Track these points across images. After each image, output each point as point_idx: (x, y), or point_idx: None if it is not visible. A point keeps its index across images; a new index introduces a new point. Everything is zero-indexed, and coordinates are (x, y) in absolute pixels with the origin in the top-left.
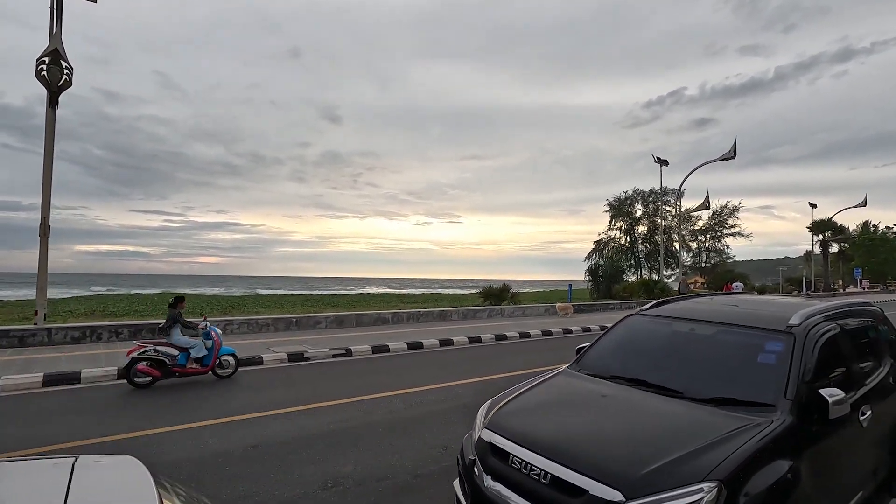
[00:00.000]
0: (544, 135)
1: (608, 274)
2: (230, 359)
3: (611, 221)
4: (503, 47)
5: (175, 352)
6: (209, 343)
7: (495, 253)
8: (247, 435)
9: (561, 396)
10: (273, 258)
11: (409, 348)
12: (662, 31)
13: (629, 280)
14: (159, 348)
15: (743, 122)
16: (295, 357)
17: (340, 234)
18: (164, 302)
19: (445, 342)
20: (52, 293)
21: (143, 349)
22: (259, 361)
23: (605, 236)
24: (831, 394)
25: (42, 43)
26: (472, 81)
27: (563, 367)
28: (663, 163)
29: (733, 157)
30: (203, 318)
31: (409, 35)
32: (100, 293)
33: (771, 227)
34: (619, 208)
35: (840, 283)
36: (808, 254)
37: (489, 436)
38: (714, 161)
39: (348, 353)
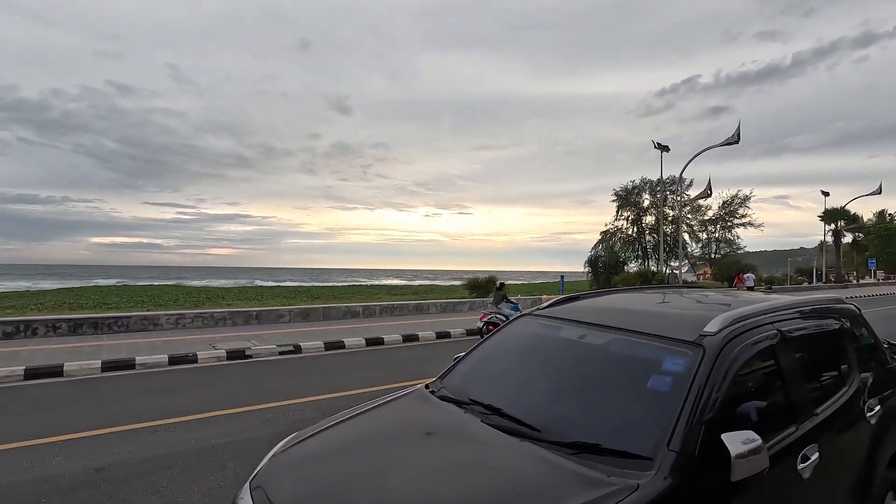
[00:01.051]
0: (556, 125)
1: (607, 265)
2: None
3: (618, 211)
4: (514, 36)
5: (503, 318)
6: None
7: (506, 244)
8: (105, 454)
9: (372, 433)
10: (284, 250)
11: (326, 348)
12: (678, 16)
13: (631, 271)
14: (499, 315)
15: (758, 110)
16: (235, 354)
17: (350, 225)
18: (163, 295)
19: (375, 341)
20: (50, 284)
21: (489, 315)
22: (193, 359)
23: (612, 227)
24: (741, 440)
25: (58, 40)
26: (483, 71)
27: (427, 382)
28: (664, 149)
29: (737, 142)
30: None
31: (418, 25)
32: (101, 284)
33: (786, 218)
34: (627, 198)
35: (855, 274)
36: (823, 244)
37: (245, 502)
38: (717, 146)
39: (297, 349)
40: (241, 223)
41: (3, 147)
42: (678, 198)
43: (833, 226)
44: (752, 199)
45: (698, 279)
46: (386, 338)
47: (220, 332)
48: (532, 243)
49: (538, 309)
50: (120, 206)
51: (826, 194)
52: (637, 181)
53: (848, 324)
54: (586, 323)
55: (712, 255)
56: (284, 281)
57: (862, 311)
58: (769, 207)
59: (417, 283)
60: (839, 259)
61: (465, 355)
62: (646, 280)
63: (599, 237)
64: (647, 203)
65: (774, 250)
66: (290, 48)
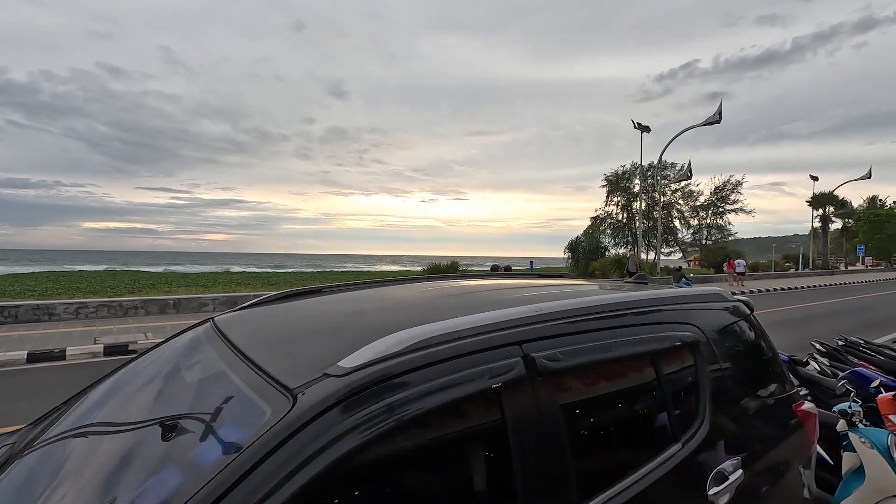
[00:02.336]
0: (554, 110)
1: (587, 250)
2: None
3: (608, 197)
4: (512, 19)
5: None
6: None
7: (502, 230)
8: None
9: None
10: (280, 235)
11: None
12: (677, 0)
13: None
14: None
15: (757, 96)
16: (115, 349)
17: (346, 211)
18: (107, 281)
19: None
20: (18, 269)
21: None
22: (60, 356)
23: (602, 212)
24: None
25: (47, 20)
26: (482, 55)
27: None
28: (644, 129)
29: (718, 122)
30: None
31: (415, 6)
32: (87, 270)
33: (781, 204)
34: (617, 183)
35: (845, 260)
36: (813, 231)
37: None
38: (699, 126)
39: None
40: (236, 208)
41: None
42: (664, 182)
43: (821, 211)
44: (745, 185)
45: (689, 265)
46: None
47: (123, 323)
48: (528, 229)
49: (221, 314)
50: (113, 190)
51: (815, 179)
52: (627, 166)
53: (715, 335)
54: (230, 343)
55: (703, 241)
56: (282, 267)
57: (754, 311)
58: (765, 194)
59: (402, 268)
60: (826, 245)
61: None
62: (620, 265)
63: (590, 223)
64: (637, 188)
65: (769, 236)
66: (284, 29)
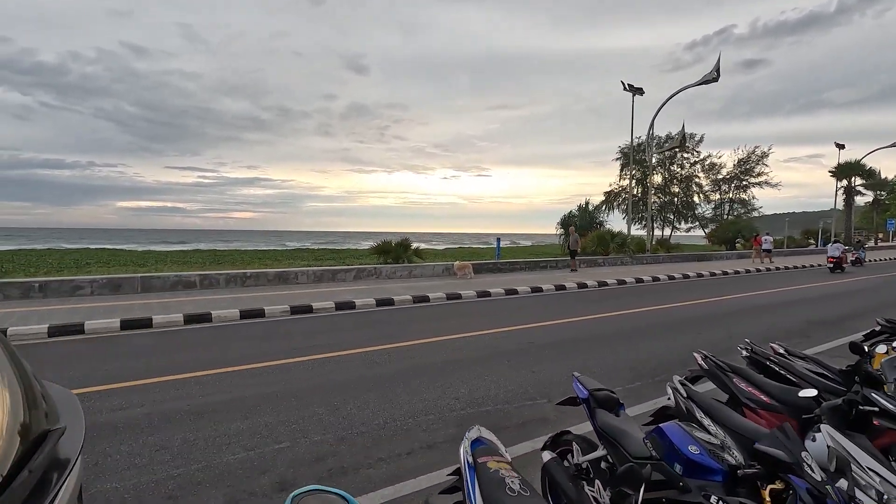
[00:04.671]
0: (576, 82)
1: (579, 227)
2: None
3: (622, 170)
4: None
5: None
6: None
7: (524, 206)
8: None
9: None
10: (304, 213)
11: (49, 334)
12: None
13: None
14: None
15: (795, 63)
16: None
17: (369, 188)
18: (65, 259)
19: (140, 323)
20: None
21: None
22: None
23: (616, 186)
24: None
25: (68, 1)
26: (501, 26)
27: None
28: (637, 91)
29: (716, 80)
30: None
31: None
32: (94, 247)
33: (818, 178)
34: (633, 156)
35: (878, 235)
36: (837, 204)
37: None
38: (695, 85)
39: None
40: (261, 187)
41: (26, 112)
42: (689, 156)
43: (845, 182)
44: (779, 158)
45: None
46: (158, 318)
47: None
48: (550, 205)
49: None
50: (143, 170)
51: (841, 147)
52: (643, 137)
53: None
54: None
55: (725, 217)
56: (290, 244)
57: None
58: (801, 167)
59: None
60: (850, 219)
61: None
62: (604, 242)
63: (604, 198)
64: (654, 161)
65: (804, 211)
66: (300, 2)
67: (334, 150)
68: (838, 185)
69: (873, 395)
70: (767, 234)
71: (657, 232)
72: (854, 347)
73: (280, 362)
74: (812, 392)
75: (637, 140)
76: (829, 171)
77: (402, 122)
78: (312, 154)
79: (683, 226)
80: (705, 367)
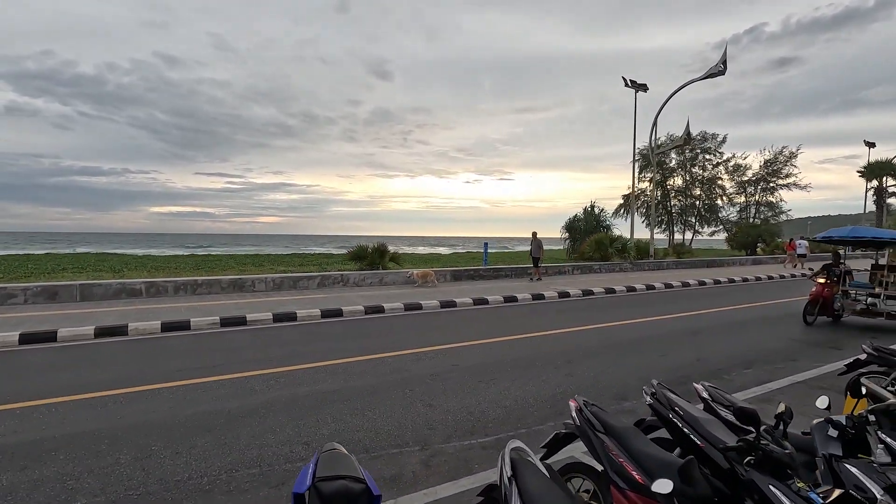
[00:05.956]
0: (602, 83)
1: (584, 230)
2: None
3: (640, 172)
4: None
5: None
6: None
7: (547, 210)
8: None
9: None
10: (329, 217)
11: None
12: None
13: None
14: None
15: (831, 60)
16: None
17: (392, 193)
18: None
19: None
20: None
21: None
22: None
23: (636, 189)
24: None
25: (105, 11)
26: (526, 29)
27: None
28: (641, 88)
29: (722, 73)
30: None
31: None
32: (94, 251)
33: (855, 179)
34: (651, 158)
35: None
36: (881, 205)
37: None
38: (701, 78)
39: None
40: (287, 192)
41: (66, 122)
42: (711, 157)
43: (875, 182)
44: (814, 159)
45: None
46: (65, 331)
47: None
48: (573, 209)
49: None
50: (174, 176)
51: (871, 145)
52: (663, 138)
53: None
54: None
55: (751, 220)
56: (311, 248)
57: None
58: (836, 168)
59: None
60: (882, 221)
61: None
62: (602, 247)
63: (622, 202)
64: (673, 163)
65: (840, 214)
66: (328, 10)
67: (358, 155)
68: (868, 186)
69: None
70: (802, 237)
71: (678, 236)
72: (741, 415)
73: (126, 391)
74: (666, 487)
75: (644, 142)
76: (858, 171)
77: (425, 127)
78: (337, 159)
79: (707, 229)
80: (577, 422)
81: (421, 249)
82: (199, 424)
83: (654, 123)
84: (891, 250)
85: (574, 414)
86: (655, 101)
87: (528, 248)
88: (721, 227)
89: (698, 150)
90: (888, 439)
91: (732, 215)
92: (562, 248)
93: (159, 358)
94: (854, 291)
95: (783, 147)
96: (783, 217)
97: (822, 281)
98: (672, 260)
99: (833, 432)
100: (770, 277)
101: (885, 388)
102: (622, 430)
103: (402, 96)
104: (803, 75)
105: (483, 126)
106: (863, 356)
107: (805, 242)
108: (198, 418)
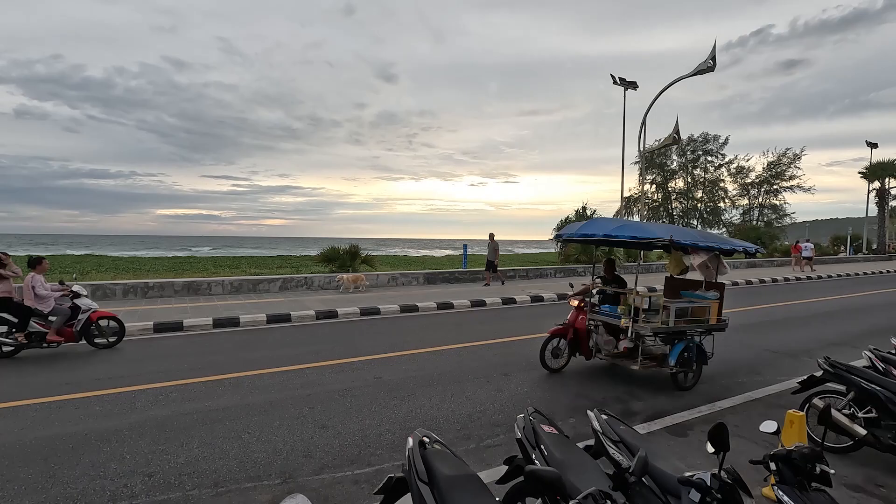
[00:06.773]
0: (608, 86)
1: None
2: None
3: (641, 174)
4: None
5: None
6: None
7: (552, 213)
8: None
9: None
10: (334, 220)
11: None
12: None
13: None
14: None
15: (839, 62)
16: None
17: (396, 195)
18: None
19: None
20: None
21: None
22: None
23: (636, 191)
24: None
25: (115, 16)
26: (532, 31)
27: None
28: (630, 86)
29: (712, 69)
30: None
31: None
32: (78, 252)
33: (863, 182)
34: (652, 159)
35: None
36: (885, 207)
37: None
38: (690, 75)
39: None
40: (293, 194)
41: (75, 124)
42: (713, 159)
43: (877, 183)
44: (822, 162)
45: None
46: None
47: None
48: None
49: None
50: (180, 179)
51: (873, 146)
52: (662, 139)
53: None
54: None
55: (754, 223)
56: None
57: None
58: (844, 171)
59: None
60: (884, 224)
61: None
62: (588, 250)
63: (622, 204)
64: (675, 165)
65: (847, 217)
66: (334, 13)
67: (364, 158)
68: (870, 187)
69: None
70: (808, 240)
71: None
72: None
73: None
74: None
75: (657, 142)
76: (859, 173)
77: (430, 130)
78: (342, 162)
79: (712, 232)
80: (405, 465)
81: (411, 252)
82: (37, 450)
83: (643, 123)
84: (670, 257)
85: (407, 454)
86: (659, 101)
87: (531, 251)
88: (724, 229)
89: (700, 152)
90: (785, 497)
91: (736, 218)
92: (554, 251)
93: (47, 370)
94: (595, 323)
95: (787, 149)
96: (787, 220)
97: (575, 304)
98: (663, 263)
99: (695, 496)
100: (762, 281)
101: (840, 411)
102: (452, 480)
103: (408, 99)
104: (811, 77)
105: (488, 129)
106: (818, 373)
107: (811, 245)
108: (43, 442)
